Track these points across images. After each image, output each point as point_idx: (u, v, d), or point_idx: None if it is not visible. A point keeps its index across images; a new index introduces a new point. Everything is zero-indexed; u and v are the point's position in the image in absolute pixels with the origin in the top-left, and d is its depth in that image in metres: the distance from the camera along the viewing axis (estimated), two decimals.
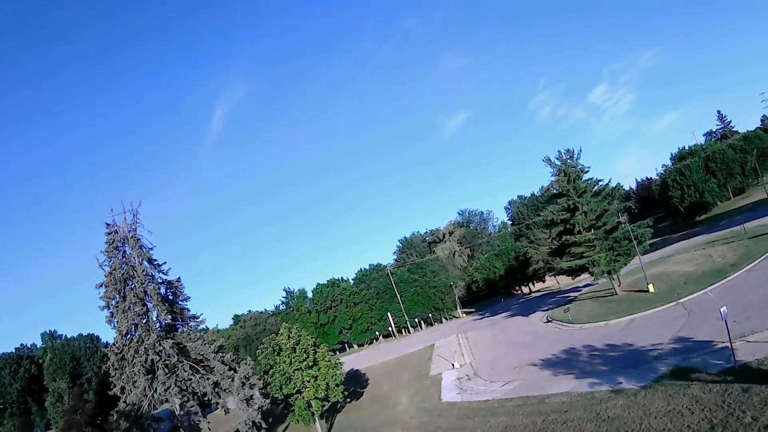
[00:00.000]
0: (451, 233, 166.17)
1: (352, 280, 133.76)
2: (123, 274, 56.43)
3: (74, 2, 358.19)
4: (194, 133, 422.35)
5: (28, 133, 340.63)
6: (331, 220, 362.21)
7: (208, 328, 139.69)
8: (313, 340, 59.20)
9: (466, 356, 70.37)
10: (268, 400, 56.73)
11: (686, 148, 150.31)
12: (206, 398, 57.72)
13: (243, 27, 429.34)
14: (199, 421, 57.05)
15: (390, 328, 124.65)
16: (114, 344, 57.58)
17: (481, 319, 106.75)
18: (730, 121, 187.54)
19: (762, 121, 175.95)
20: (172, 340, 56.63)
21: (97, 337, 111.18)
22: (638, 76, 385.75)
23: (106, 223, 57.19)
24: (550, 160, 70.05)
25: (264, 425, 55.92)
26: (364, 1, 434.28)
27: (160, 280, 59.03)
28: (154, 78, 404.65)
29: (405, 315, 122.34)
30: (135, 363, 55.20)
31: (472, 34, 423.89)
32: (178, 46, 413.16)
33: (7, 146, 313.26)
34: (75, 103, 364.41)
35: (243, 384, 55.32)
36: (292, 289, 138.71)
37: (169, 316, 58.54)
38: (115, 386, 56.18)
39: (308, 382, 53.37)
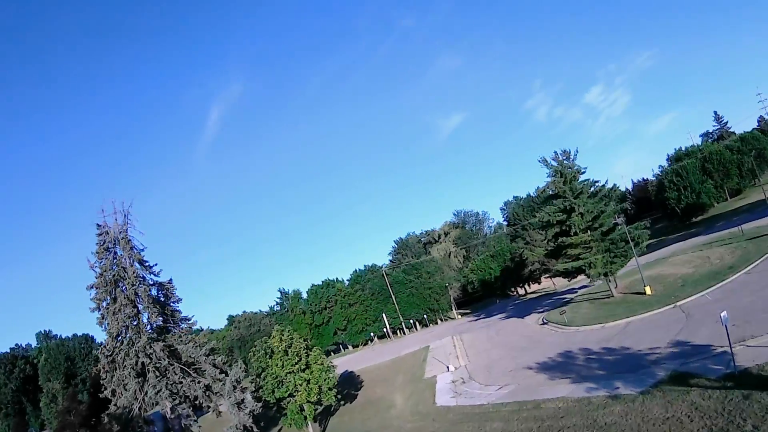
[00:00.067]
0: (446, 234, 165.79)
1: (347, 280, 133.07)
2: (114, 275, 55.80)
3: (70, 2, 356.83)
4: (189, 132, 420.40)
5: (26, 132, 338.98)
6: (327, 221, 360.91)
7: (202, 328, 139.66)
8: (306, 343, 58.47)
9: (461, 359, 69.72)
10: (260, 404, 56.04)
11: (683, 149, 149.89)
12: (197, 401, 56.99)
13: (239, 27, 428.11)
14: (191, 424, 56.29)
15: (385, 329, 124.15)
16: (104, 346, 56.91)
17: (476, 320, 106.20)
18: (727, 122, 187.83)
19: (759, 122, 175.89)
20: (163, 343, 55.96)
21: (92, 337, 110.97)
22: (634, 77, 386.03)
23: (97, 224, 56.69)
24: (546, 161, 69.54)
25: (255, 429, 55.20)
26: (360, 2, 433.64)
27: (151, 282, 58.40)
28: (150, 78, 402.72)
29: (400, 316, 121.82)
30: (126, 366, 54.49)
31: (468, 34, 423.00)
32: (173, 46, 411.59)
33: (3, 146, 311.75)
34: (69, 103, 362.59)
35: (234, 387, 54.63)
36: (286, 290, 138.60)
37: (161, 318, 57.90)
38: (106, 389, 55.43)
39: (301, 385, 52.75)
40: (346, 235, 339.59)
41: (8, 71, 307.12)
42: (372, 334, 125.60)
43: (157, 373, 54.65)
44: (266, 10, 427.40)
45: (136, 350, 54.08)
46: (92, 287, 55.66)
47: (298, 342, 55.74)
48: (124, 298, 55.39)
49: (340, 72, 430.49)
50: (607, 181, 72.39)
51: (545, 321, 71.92)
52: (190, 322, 61.36)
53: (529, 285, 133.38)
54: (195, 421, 56.62)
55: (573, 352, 51.21)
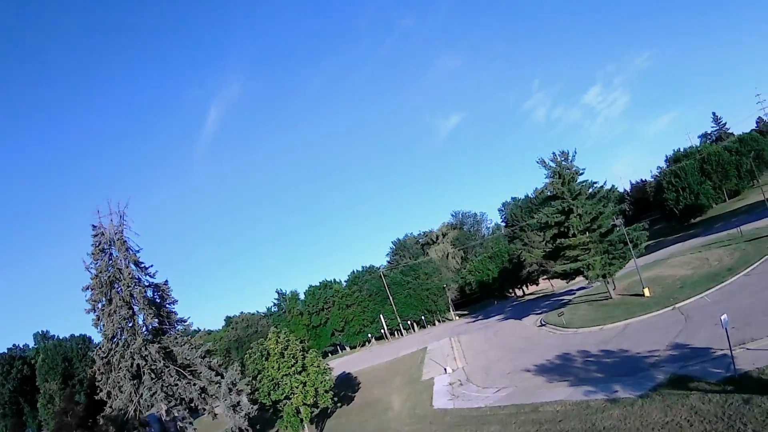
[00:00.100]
0: (444, 235, 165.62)
1: (345, 282, 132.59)
2: (109, 276, 55.30)
3: (68, 2, 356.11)
4: (188, 133, 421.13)
5: (24, 133, 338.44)
6: (324, 222, 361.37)
7: (200, 329, 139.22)
8: (302, 345, 58.08)
9: (459, 360, 69.35)
10: (255, 407, 55.65)
11: (681, 150, 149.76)
12: (193, 404, 56.55)
13: (238, 27, 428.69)
14: (186, 426, 55.84)
15: (382, 331, 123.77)
16: (100, 348, 56.47)
17: (474, 321, 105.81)
18: (725, 123, 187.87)
19: (757, 123, 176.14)
20: (159, 345, 55.48)
21: (90, 338, 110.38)
22: (633, 78, 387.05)
23: (93, 225, 56.15)
24: (544, 162, 69.17)
25: None
26: (359, 2, 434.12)
27: (146, 283, 57.82)
28: (149, 77, 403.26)
29: (398, 317, 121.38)
30: (121, 368, 54.04)
31: (467, 35, 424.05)
32: (172, 46, 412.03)
33: (1, 146, 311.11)
34: (67, 103, 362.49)
35: (230, 390, 54.20)
36: (284, 291, 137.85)
37: (156, 320, 57.34)
38: (101, 390, 55.03)
39: (297, 388, 52.35)
40: (344, 236, 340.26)
41: (7, 71, 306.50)
42: (370, 335, 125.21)
43: (153, 376, 54.17)
44: (266, 10, 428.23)
45: (131, 352, 53.61)
46: (87, 288, 55.19)
47: (294, 344, 55.35)
48: (120, 299, 54.89)
49: (339, 72, 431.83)
50: (605, 182, 72.17)
51: (543, 322, 71.58)
52: (185, 323, 60.84)
53: (527, 286, 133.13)
54: (190, 423, 56.20)
55: (571, 354, 50.86)
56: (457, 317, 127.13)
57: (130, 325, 56.16)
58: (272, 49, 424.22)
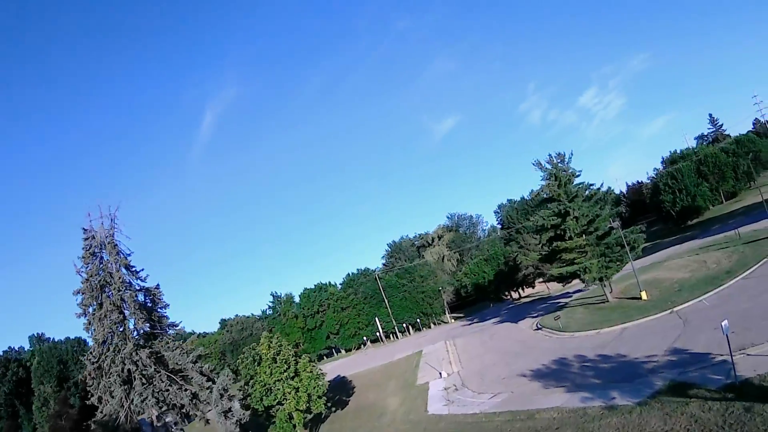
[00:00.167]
0: (440, 237, 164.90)
1: (340, 284, 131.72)
2: (100, 280, 54.75)
3: (67, 2, 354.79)
4: (186, 133, 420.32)
5: (23, 133, 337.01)
6: (320, 224, 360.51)
7: (194, 332, 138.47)
8: (295, 350, 57.39)
9: (454, 364, 68.59)
10: (247, 412, 54.97)
11: (678, 151, 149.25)
12: (184, 410, 55.79)
13: (236, 27, 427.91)
14: None
15: (378, 333, 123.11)
16: (91, 353, 55.87)
17: (469, 324, 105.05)
18: (722, 125, 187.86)
19: (754, 124, 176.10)
20: (150, 350, 54.76)
21: (85, 341, 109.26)
22: (629, 80, 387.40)
23: (83, 229, 55.61)
24: (540, 164, 68.56)
25: None
26: (356, 3, 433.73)
27: (137, 287, 57.18)
28: (146, 78, 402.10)
29: (393, 320, 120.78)
30: (111, 373, 53.34)
31: (463, 37, 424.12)
32: (170, 47, 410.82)
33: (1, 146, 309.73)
34: (64, 103, 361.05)
35: (221, 395, 53.46)
36: (279, 294, 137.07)
37: (147, 324, 56.80)
38: (92, 395, 54.32)
39: (289, 393, 51.65)
40: (339, 238, 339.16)
41: (7, 71, 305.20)
42: (365, 338, 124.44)
43: (144, 381, 53.49)
44: (264, 11, 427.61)
45: (122, 357, 52.98)
46: (78, 293, 54.63)
47: (287, 349, 54.62)
48: (110, 303, 54.27)
49: (335, 74, 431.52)
50: (602, 184, 71.33)
51: (539, 326, 70.80)
52: (177, 327, 60.20)
53: (523, 289, 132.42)
54: (182, 429, 55.48)
55: (567, 358, 50.09)
56: (452, 320, 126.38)
57: (121, 329, 55.54)
58: (270, 50, 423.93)
